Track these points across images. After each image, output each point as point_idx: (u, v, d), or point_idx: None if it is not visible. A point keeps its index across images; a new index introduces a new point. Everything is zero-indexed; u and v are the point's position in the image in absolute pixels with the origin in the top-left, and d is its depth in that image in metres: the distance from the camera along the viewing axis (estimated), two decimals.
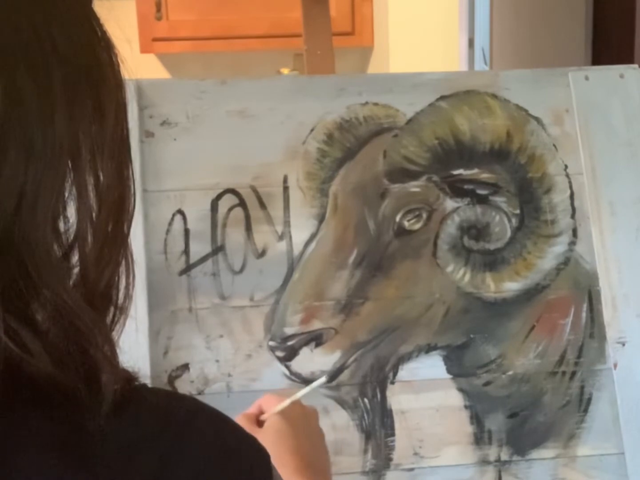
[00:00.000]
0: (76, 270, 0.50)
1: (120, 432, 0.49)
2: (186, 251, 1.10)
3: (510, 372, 1.12)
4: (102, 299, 0.51)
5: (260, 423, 0.85)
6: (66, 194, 0.49)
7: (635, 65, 1.22)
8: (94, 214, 0.50)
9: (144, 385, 0.53)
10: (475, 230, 1.14)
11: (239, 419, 0.84)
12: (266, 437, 0.80)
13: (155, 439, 0.50)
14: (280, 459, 0.77)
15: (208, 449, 0.51)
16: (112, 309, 0.53)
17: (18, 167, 0.46)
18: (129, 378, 0.52)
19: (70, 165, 0.49)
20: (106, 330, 0.52)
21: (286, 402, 0.85)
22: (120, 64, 0.52)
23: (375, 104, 1.15)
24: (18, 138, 0.46)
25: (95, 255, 0.50)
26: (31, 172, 0.46)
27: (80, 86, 0.49)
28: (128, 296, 0.54)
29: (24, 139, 0.46)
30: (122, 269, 0.53)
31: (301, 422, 0.85)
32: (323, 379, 0.93)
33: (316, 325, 1.09)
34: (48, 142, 0.47)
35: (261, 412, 0.87)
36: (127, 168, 0.53)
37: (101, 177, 0.50)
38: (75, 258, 0.50)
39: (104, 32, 0.51)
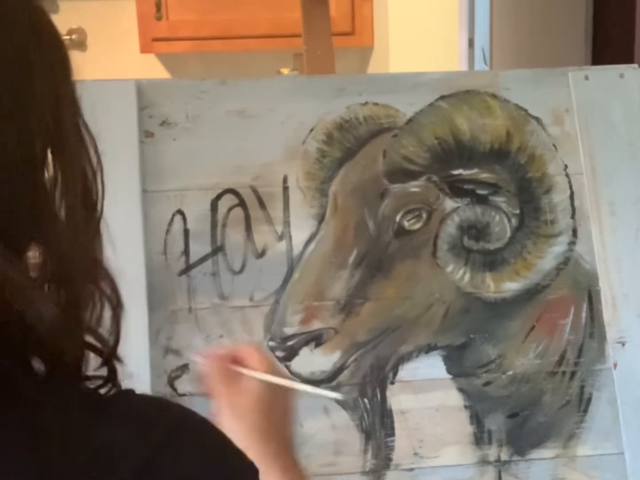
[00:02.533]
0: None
1: (101, 432, 0.48)
2: (186, 251, 1.10)
3: (510, 372, 1.12)
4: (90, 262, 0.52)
5: (231, 372, 0.80)
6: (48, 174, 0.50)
7: (635, 65, 1.22)
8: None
9: (131, 390, 0.52)
10: (475, 230, 1.14)
11: (211, 360, 0.80)
12: (244, 400, 0.77)
13: (138, 443, 0.48)
14: (253, 431, 0.75)
15: (194, 457, 0.49)
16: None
17: None
18: (109, 344, 0.52)
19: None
20: (103, 270, 0.53)
21: (277, 380, 0.80)
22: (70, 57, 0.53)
23: (375, 104, 1.15)
24: None
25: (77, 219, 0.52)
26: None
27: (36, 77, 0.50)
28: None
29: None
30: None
31: (280, 405, 0.81)
32: (334, 395, 0.90)
33: (316, 325, 1.09)
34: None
35: (235, 362, 0.81)
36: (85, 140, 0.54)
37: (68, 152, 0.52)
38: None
39: (50, 25, 0.52)
